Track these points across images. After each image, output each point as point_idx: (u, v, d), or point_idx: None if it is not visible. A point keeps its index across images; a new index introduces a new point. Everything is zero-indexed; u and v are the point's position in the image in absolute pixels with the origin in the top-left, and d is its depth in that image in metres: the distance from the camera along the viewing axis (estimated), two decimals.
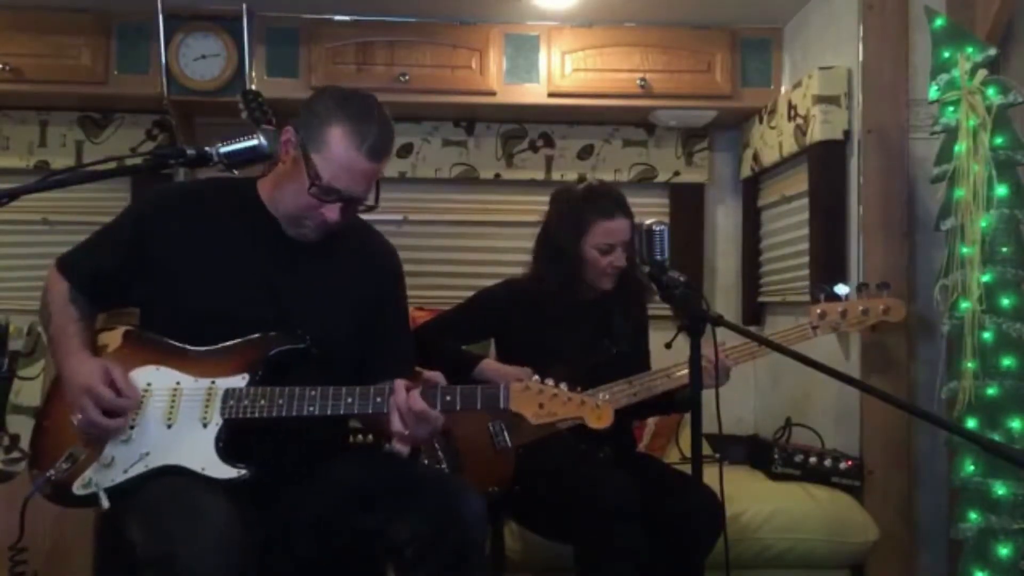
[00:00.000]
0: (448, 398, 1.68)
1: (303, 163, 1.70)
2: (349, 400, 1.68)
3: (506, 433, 2.32)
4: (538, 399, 1.67)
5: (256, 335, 1.74)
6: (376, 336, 1.91)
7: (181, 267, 1.77)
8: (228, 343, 1.73)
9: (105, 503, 1.62)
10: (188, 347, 1.74)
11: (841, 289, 2.42)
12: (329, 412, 1.67)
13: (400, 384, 1.68)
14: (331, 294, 1.84)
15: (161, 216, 1.81)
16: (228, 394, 1.68)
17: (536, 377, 1.69)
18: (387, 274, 1.97)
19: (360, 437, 2.87)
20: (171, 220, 1.80)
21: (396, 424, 1.66)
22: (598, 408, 1.67)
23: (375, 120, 1.73)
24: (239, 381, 1.70)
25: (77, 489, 1.64)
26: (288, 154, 1.74)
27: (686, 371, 2.26)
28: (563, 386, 1.68)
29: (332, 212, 1.74)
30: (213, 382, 1.69)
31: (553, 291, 2.41)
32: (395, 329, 1.99)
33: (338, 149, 1.69)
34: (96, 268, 1.80)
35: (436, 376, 1.71)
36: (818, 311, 2.41)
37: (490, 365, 2.36)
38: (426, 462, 2.26)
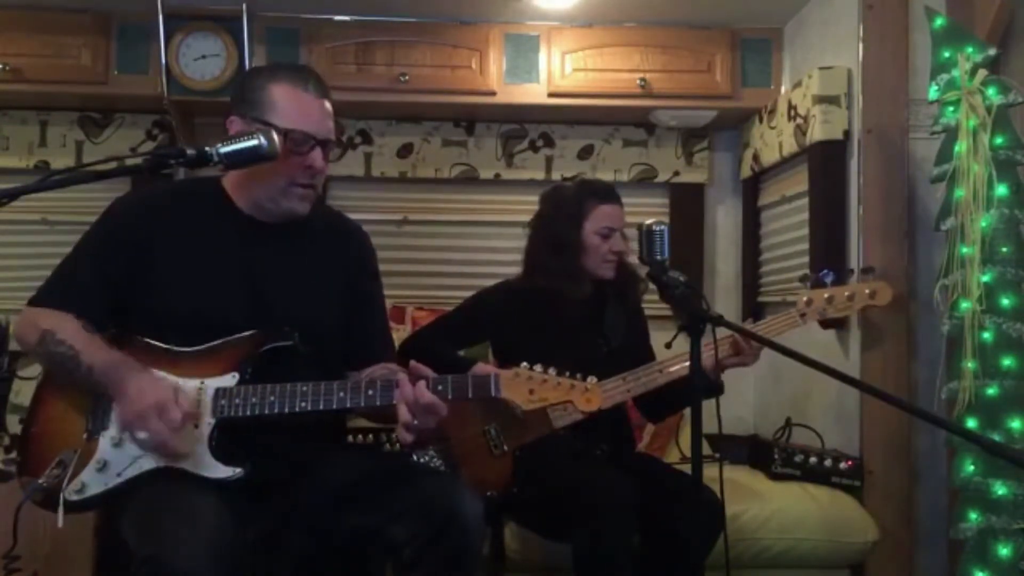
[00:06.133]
0: (440, 387, 1.68)
1: None
2: (341, 395, 1.68)
3: (503, 437, 2.31)
4: (528, 385, 1.68)
5: (242, 334, 1.73)
6: (356, 317, 1.92)
7: (162, 272, 1.76)
8: (215, 343, 1.72)
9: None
10: (175, 348, 1.73)
11: (827, 276, 2.42)
12: (321, 407, 1.67)
13: (404, 379, 1.68)
14: (311, 280, 1.85)
15: (136, 224, 1.80)
16: (219, 393, 1.67)
17: (525, 364, 1.69)
18: (361, 255, 1.99)
19: (360, 437, 2.88)
20: (146, 227, 1.79)
21: (405, 416, 1.66)
22: (587, 391, 1.68)
23: (305, 68, 1.86)
24: (229, 380, 1.69)
25: (70, 495, 1.62)
26: None
27: (681, 365, 2.29)
28: (552, 371, 1.69)
29: (317, 158, 1.75)
30: (202, 382, 1.68)
31: (549, 289, 2.41)
32: (373, 309, 2.00)
33: (289, 99, 1.75)
34: (94, 292, 1.76)
35: (422, 368, 1.71)
36: (805, 299, 2.41)
37: (483, 369, 2.35)
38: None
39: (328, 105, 1.80)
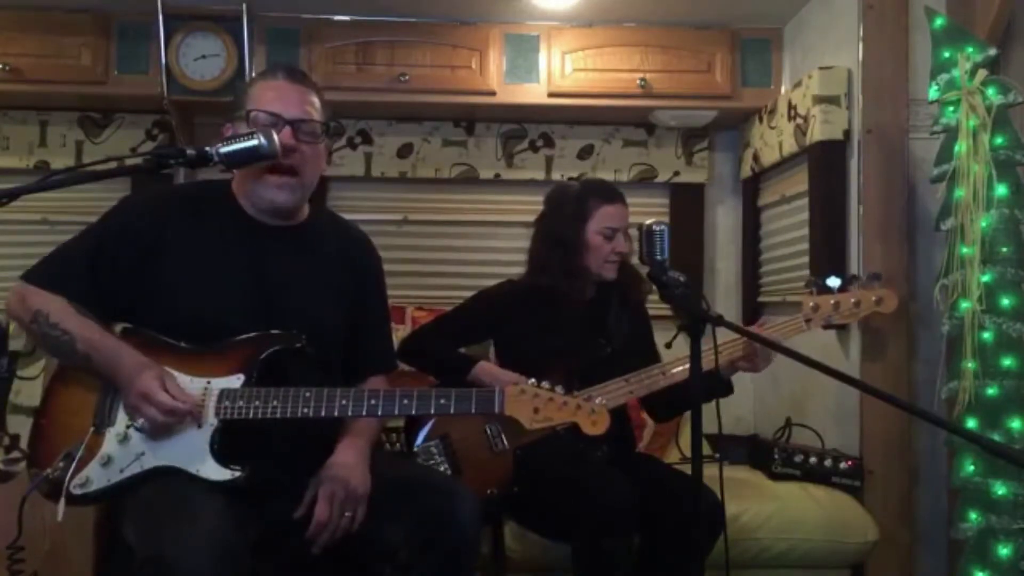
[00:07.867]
0: (443, 401, 1.67)
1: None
2: (343, 402, 1.68)
3: (503, 435, 2.32)
4: (533, 403, 1.64)
5: (252, 334, 1.74)
6: (361, 326, 1.93)
7: (170, 273, 1.76)
8: (223, 342, 1.73)
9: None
10: (185, 345, 1.74)
11: (833, 281, 2.41)
12: (323, 414, 1.67)
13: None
14: (317, 283, 1.86)
15: (144, 223, 1.80)
16: (223, 394, 1.68)
17: (532, 380, 1.67)
18: (370, 264, 2.00)
19: None
20: (154, 227, 1.79)
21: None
22: (594, 413, 1.64)
23: (281, 63, 1.96)
24: (235, 381, 1.69)
25: (75, 488, 1.64)
26: None
27: (684, 367, 2.29)
28: (559, 389, 1.66)
29: (286, 136, 1.75)
30: (209, 382, 1.69)
31: (551, 289, 2.41)
32: (378, 320, 2.01)
33: (259, 89, 1.82)
34: (87, 279, 1.76)
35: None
36: (811, 304, 2.40)
37: (485, 368, 2.36)
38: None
39: (301, 87, 1.82)
